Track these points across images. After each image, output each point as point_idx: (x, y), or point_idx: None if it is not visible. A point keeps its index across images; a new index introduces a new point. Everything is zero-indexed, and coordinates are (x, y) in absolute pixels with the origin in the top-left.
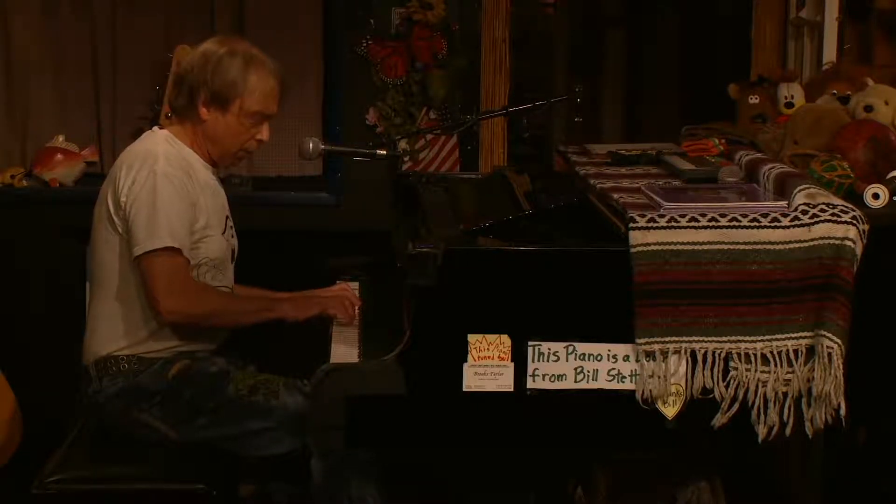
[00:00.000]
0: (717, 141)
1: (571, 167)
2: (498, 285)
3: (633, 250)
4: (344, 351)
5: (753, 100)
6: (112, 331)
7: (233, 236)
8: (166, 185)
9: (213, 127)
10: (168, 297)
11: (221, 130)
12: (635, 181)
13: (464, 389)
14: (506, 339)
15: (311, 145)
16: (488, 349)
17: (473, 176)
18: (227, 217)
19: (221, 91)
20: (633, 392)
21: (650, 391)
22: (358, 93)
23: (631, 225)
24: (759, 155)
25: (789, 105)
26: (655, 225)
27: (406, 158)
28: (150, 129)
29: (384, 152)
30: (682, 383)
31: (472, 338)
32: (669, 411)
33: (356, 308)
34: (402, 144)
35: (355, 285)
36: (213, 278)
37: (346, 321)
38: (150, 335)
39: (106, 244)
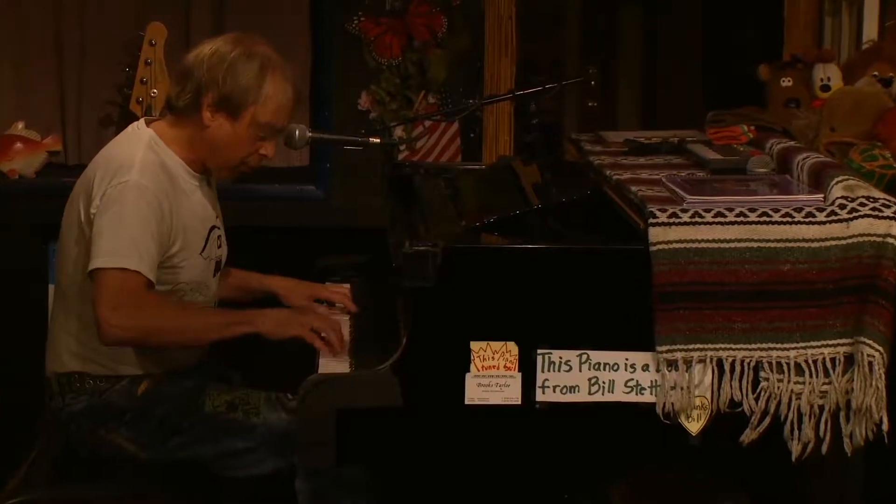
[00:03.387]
0: (745, 128)
1: (584, 157)
2: (504, 287)
3: (652, 248)
4: (334, 360)
5: (786, 82)
6: (76, 348)
7: (219, 247)
8: (137, 199)
9: (216, 134)
10: (111, 311)
11: (225, 139)
12: (655, 172)
13: (466, 402)
14: (512, 347)
15: (297, 133)
16: (493, 358)
17: (476, 167)
18: (212, 228)
19: (233, 97)
20: (653, 405)
21: (672, 404)
22: (349, 75)
23: (650, 220)
24: (792, 143)
25: (825, 88)
26: (678, 220)
27: (402, 147)
28: (122, 116)
29: (378, 140)
30: (708, 395)
31: (475, 345)
32: (693, 426)
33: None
34: (398, 132)
35: (346, 287)
36: (192, 298)
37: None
38: (119, 358)
39: (73, 255)
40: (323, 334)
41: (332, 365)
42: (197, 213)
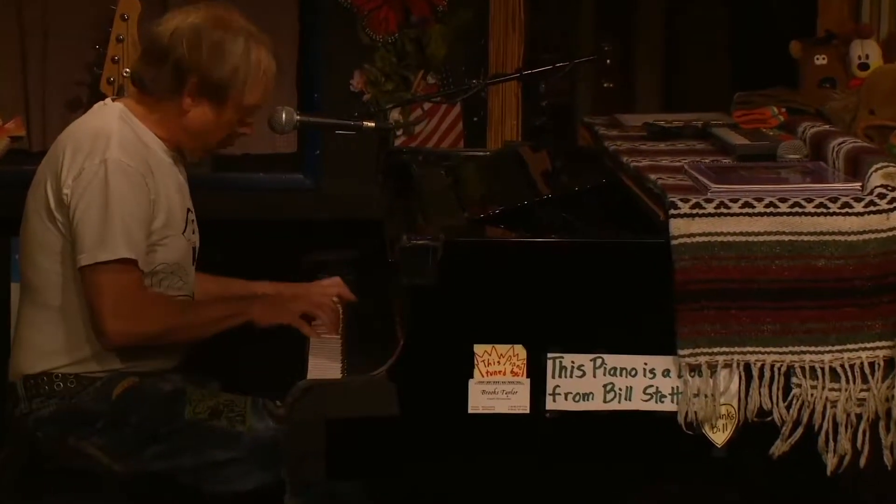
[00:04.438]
0: (775, 110)
1: (599, 142)
2: (510, 285)
3: (674, 242)
4: (324, 364)
5: (820, 60)
6: (47, 345)
7: (194, 232)
8: (120, 179)
9: (196, 119)
10: (116, 320)
11: (207, 124)
12: (677, 158)
13: (469, 411)
14: (520, 351)
15: (283, 116)
16: (499, 362)
17: (481, 153)
18: (188, 210)
19: (220, 82)
20: (674, 414)
21: (695, 413)
22: (340, 53)
23: (672, 211)
24: (826, 127)
25: (864, 67)
26: (701, 211)
27: (399, 132)
28: (92, 97)
29: (372, 124)
30: (734, 403)
31: (479, 349)
32: (719, 437)
33: (339, 315)
34: (395, 115)
35: (336, 279)
36: (170, 286)
37: (323, 331)
38: (95, 355)
39: (42, 244)
40: (314, 322)
41: (323, 370)
42: (175, 191)
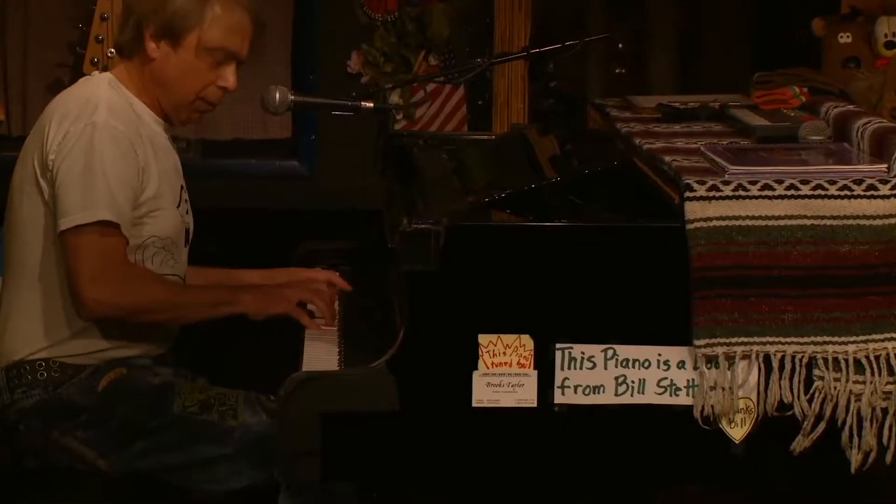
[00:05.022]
0: (797, 90)
1: (611, 125)
2: (517, 272)
3: (689, 227)
4: (320, 356)
5: (844, 38)
6: (28, 328)
7: (188, 212)
8: (107, 141)
9: (163, 66)
10: (93, 284)
11: (173, 71)
12: (692, 141)
13: (473, 405)
14: (527, 341)
15: (277, 95)
16: (505, 353)
17: (485, 137)
18: (181, 187)
19: (174, 19)
20: (689, 408)
21: (712, 407)
22: (337, 33)
23: (687, 194)
24: (851, 107)
25: (890, 45)
26: (718, 194)
27: (399, 116)
28: (74, 80)
29: (371, 105)
30: (753, 397)
31: (483, 339)
32: (737, 432)
33: (334, 304)
34: (395, 98)
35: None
36: (161, 262)
37: (321, 322)
38: (74, 335)
39: (27, 218)
40: (310, 307)
41: (319, 362)
42: (168, 162)
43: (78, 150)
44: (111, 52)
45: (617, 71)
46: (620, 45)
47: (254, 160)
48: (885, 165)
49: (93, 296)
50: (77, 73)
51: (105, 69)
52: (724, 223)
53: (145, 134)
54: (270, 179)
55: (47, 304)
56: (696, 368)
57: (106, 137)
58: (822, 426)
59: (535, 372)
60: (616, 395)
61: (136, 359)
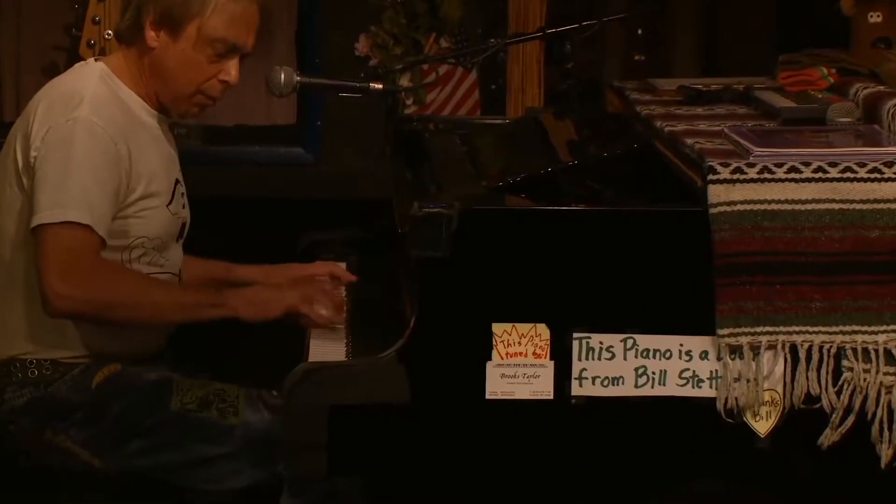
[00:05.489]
0: (825, 71)
1: (630, 108)
2: (533, 258)
3: (712, 211)
4: (326, 347)
5: (874, 17)
6: (15, 326)
7: (184, 206)
8: (86, 140)
9: (162, 57)
10: (60, 281)
11: (173, 62)
12: (716, 123)
13: (487, 397)
14: (543, 330)
15: (282, 76)
16: (520, 343)
17: (499, 121)
18: (176, 182)
19: (174, 7)
20: (713, 401)
21: (736, 399)
22: (344, 14)
23: (710, 177)
24: (881, 88)
25: None
26: (743, 177)
27: (409, 102)
28: (69, 63)
29: (380, 86)
30: (779, 389)
31: (497, 328)
32: (762, 426)
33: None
34: (404, 81)
35: (341, 267)
36: (150, 262)
37: (323, 323)
38: (62, 331)
39: (11, 210)
40: (315, 307)
41: (326, 351)
42: (161, 158)
43: (56, 147)
44: (108, 34)
45: (636, 58)
46: (640, 31)
47: (257, 147)
48: None
49: (59, 291)
50: (73, 56)
51: (102, 52)
52: (748, 207)
53: (134, 130)
54: (274, 167)
55: (31, 299)
56: (719, 359)
57: (86, 135)
58: (850, 419)
59: (552, 362)
60: (636, 386)
61: (130, 355)
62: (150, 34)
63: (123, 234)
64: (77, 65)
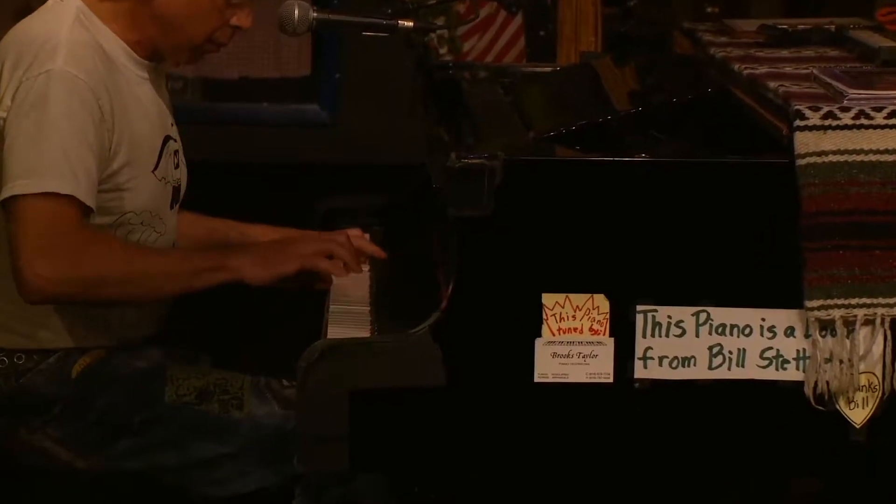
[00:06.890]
0: None
1: (704, 50)
2: (589, 218)
3: (800, 162)
4: (347, 326)
5: None
6: None
7: (177, 166)
8: (63, 95)
9: (166, 5)
10: (40, 259)
11: (182, 8)
12: (804, 66)
13: (536, 379)
14: (602, 302)
15: (296, 11)
16: (574, 317)
17: (548, 69)
18: (165, 139)
19: None
20: (799, 384)
21: (827, 383)
22: None
23: (797, 123)
24: None
25: None
26: (836, 123)
27: (443, 50)
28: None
29: (410, 24)
30: (878, 371)
31: (548, 299)
32: (857, 415)
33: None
34: (439, 22)
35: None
36: (141, 237)
37: (340, 273)
38: (42, 323)
39: None
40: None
41: (347, 332)
42: (147, 115)
43: (29, 106)
44: None
45: (708, 10)
46: None
47: (266, 104)
48: None
49: (39, 271)
50: None
51: None
52: (842, 158)
53: (116, 82)
54: (285, 127)
55: (8, 287)
56: (807, 336)
57: (62, 89)
58: None
59: (612, 340)
60: (710, 368)
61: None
62: None
63: (106, 210)
64: (49, 2)
